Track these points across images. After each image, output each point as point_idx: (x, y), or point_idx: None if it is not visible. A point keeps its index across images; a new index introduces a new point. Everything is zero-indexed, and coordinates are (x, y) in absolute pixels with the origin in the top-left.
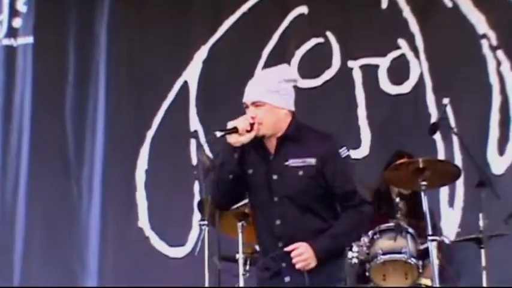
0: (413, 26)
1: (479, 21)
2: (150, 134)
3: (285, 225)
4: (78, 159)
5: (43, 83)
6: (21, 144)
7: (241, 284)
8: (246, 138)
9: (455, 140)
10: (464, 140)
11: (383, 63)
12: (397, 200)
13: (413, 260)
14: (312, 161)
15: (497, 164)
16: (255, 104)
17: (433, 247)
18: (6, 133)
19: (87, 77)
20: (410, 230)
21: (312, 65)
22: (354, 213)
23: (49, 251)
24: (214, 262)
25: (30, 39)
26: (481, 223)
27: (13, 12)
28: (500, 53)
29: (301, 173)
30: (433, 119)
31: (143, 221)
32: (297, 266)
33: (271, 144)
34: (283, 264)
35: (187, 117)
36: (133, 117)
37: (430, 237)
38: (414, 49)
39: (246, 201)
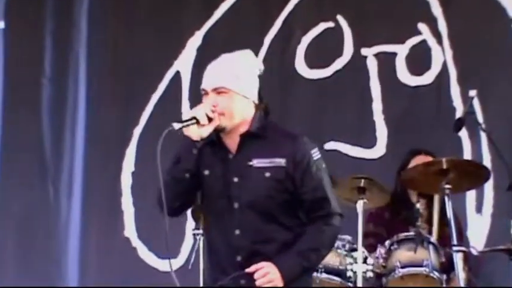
0: (436, 9)
1: (511, 4)
2: (137, 131)
3: (246, 236)
4: (56, 160)
5: (15, 74)
6: None
7: None
8: (205, 130)
9: (483, 137)
10: (494, 138)
11: (401, 50)
12: (418, 205)
13: (436, 274)
14: (282, 161)
15: None
16: (217, 91)
17: (458, 259)
18: None
19: (66, 68)
20: (432, 239)
21: (321, 53)
22: (322, 226)
23: (24, 263)
24: None
25: (1, 25)
26: None
27: None
28: None
29: (267, 174)
30: (458, 113)
31: (129, 230)
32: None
33: (232, 141)
34: (242, 282)
35: (180, 111)
36: (118, 114)
37: (455, 248)
38: (437, 35)
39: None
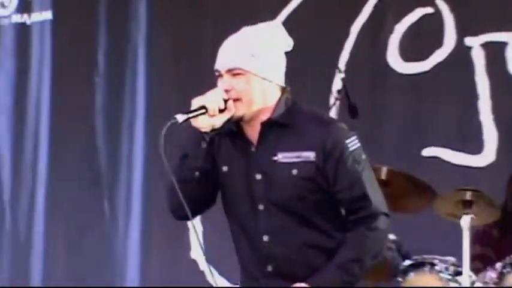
0: None
1: None
2: None
3: (276, 243)
4: (112, 171)
5: (65, 71)
6: (38, 150)
7: None
8: (218, 120)
9: None
10: None
11: None
12: None
13: None
14: (311, 155)
15: None
16: (232, 72)
17: None
18: (19, 136)
19: (122, 64)
20: None
21: (418, 43)
22: (364, 231)
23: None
24: None
25: (48, 15)
26: None
27: None
28: None
29: (295, 171)
30: None
31: (197, 251)
32: None
33: (253, 132)
34: None
35: None
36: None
37: None
38: None
39: None
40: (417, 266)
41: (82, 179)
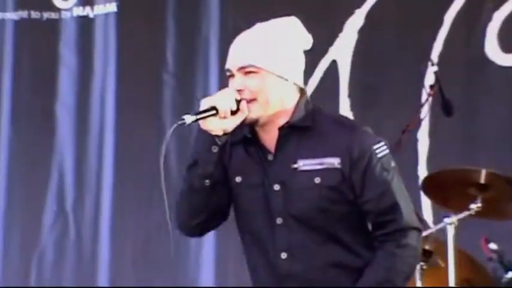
0: None
1: None
2: None
3: (296, 261)
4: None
5: (131, 68)
6: (103, 154)
7: None
8: (230, 123)
9: None
10: None
11: None
12: None
13: None
14: (335, 161)
15: None
16: (244, 71)
17: None
18: (82, 138)
19: (193, 60)
20: None
21: None
22: (393, 248)
23: None
24: None
25: (112, 7)
26: None
27: None
28: None
29: (317, 180)
30: None
31: None
32: None
33: (270, 138)
34: None
35: (337, 111)
36: None
37: None
38: None
39: None
40: None
41: (151, 187)
